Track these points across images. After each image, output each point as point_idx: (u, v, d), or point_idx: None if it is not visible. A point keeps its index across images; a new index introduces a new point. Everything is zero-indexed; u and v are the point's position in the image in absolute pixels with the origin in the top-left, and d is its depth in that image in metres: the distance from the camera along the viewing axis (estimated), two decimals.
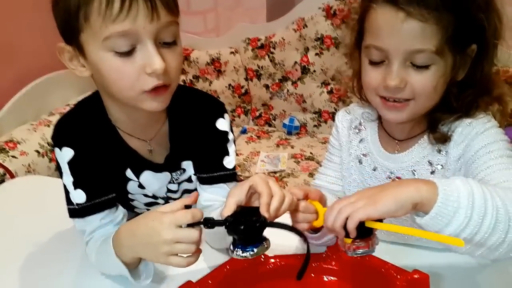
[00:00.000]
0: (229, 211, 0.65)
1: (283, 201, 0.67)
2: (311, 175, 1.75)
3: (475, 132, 0.74)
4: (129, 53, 0.67)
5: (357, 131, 0.88)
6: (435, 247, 0.81)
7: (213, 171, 0.85)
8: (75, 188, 0.78)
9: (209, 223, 0.65)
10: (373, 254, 0.69)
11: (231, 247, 0.65)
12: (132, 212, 0.93)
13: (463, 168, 0.75)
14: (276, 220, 0.67)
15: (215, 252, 0.83)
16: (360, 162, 0.87)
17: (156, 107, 0.72)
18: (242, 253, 0.64)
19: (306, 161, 1.87)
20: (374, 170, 0.85)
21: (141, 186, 0.87)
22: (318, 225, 0.71)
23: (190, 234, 0.65)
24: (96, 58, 0.68)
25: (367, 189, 0.65)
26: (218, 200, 0.85)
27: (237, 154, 1.34)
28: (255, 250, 0.64)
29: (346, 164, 0.90)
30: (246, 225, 0.64)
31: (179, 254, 0.66)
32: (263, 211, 0.65)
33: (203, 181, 0.86)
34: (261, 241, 0.66)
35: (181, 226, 0.65)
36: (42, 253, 0.88)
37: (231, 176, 0.86)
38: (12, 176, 1.39)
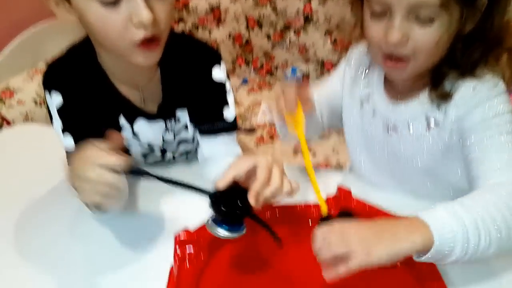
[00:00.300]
0: (224, 184, 0.63)
1: (277, 192, 0.64)
2: None
3: (478, 99, 0.70)
4: (115, 3, 0.64)
5: (367, 70, 0.86)
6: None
7: (213, 122, 0.84)
8: (63, 133, 0.77)
9: (164, 180, 0.64)
10: None
11: (209, 217, 0.64)
12: None
13: (457, 135, 0.73)
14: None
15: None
16: (362, 105, 0.86)
17: (146, 62, 0.70)
18: (215, 229, 0.63)
19: None
20: (373, 116, 0.83)
21: (135, 135, 0.86)
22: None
23: (106, 177, 0.62)
24: (81, 6, 0.65)
25: (360, 225, 0.61)
26: (220, 151, 0.84)
27: (237, 104, 1.32)
28: (227, 233, 0.63)
29: (348, 107, 0.88)
30: (228, 207, 0.62)
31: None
32: (251, 198, 0.62)
33: (203, 132, 0.85)
34: (239, 225, 0.64)
35: (117, 171, 0.62)
36: (40, 199, 0.88)
37: (232, 127, 0.85)
38: (10, 125, 1.37)
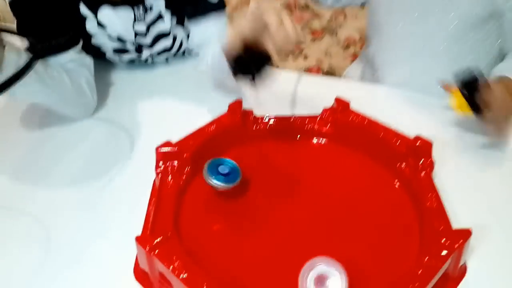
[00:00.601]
0: (234, 47, 0.57)
1: (292, 36, 0.58)
2: None
3: None
4: None
5: None
6: (443, 113, 0.75)
7: (195, 3, 0.76)
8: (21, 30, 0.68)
9: None
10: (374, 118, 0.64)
11: (206, 165, 0.60)
12: (104, 60, 0.84)
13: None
14: None
15: (197, 112, 0.76)
16: None
17: None
18: (211, 180, 0.59)
19: None
20: None
21: (101, 26, 0.76)
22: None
23: None
24: None
25: None
26: (212, 35, 0.77)
27: None
28: (223, 184, 0.59)
29: None
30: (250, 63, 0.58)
31: None
32: (269, 45, 0.56)
33: (189, 16, 0.78)
34: (235, 176, 0.60)
35: None
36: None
37: (219, 5, 0.77)
38: None
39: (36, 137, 0.75)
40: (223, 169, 0.60)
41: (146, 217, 0.57)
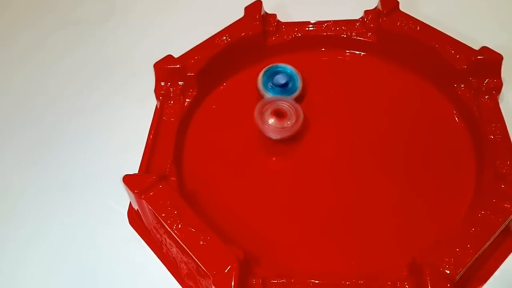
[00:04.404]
0: None
1: None
2: None
3: None
4: None
5: None
6: None
7: None
8: None
9: None
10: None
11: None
12: None
13: None
14: None
15: (202, 22, 0.63)
16: None
17: None
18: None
19: None
20: None
21: None
22: None
23: None
24: None
25: None
26: None
27: None
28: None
29: None
30: None
31: None
32: None
33: None
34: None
35: None
36: None
37: None
38: None
39: None
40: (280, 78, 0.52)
41: (144, 152, 0.48)
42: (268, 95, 0.51)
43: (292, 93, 0.51)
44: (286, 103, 0.49)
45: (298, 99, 0.52)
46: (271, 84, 0.51)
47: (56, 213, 0.48)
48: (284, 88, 0.51)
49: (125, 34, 0.65)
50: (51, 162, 0.52)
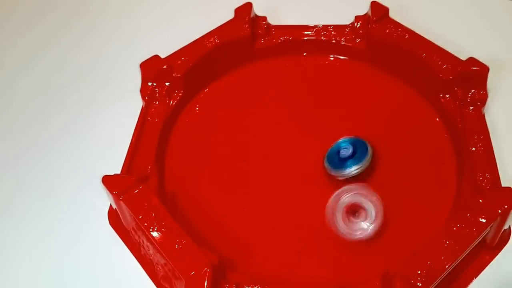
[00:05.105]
0: None
1: None
2: None
3: None
4: None
5: None
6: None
7: None
8: None
9: None
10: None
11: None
12: None
13: None
14: None
15: (193, 19, 0.63)
16: None
17: None
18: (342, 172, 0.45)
19: None
20: None
21: None
22: None
23: None
24: None
25: None
26: None
27: None
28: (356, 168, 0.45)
29: None
30: None
31: None
32: None
33: None
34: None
35: None
36: None
37: None
38: None
39: None
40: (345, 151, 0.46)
41: (127, 152, 0.48)
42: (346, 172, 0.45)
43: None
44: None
45: None
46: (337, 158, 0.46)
47: (38, 210, 0.48)
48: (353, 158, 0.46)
49: (113, 33, 0.65)
50: (37, 159, 0.52)
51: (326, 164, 0.46)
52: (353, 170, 0.44)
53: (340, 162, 0.45)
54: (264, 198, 0.46)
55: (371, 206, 0.42)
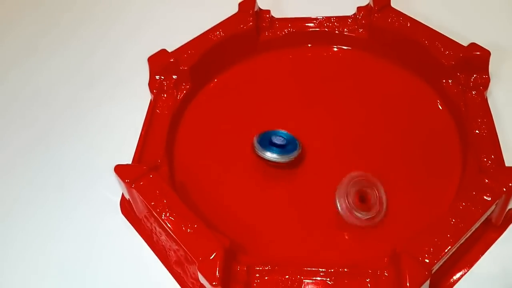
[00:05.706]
0: None
1: None
2: None
3: None
4: None
5: None
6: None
7: None
8: None
9: None
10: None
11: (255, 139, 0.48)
12: None
13: None
14: None
15: (196, 17, 0.64)
16: None
17: None
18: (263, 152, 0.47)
19: None
20: None
21: None
22: None
23: None
24: None
25: None
26: None
27: None
28: (277, 156, 0.46)
29: None
30: None
31: None
32: None
33: None
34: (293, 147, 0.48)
35: None
36: None
37: None
38: None
39: None
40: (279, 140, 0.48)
41: (137, 143, 0.49)
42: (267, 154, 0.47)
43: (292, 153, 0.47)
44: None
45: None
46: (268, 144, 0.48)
47: (53, 204, 0.49)
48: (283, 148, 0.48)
49: (120, 29, 0.67)
50: (49, 154, 0.53)
51: (255, 139, 0.48)
52: (274, 156, 0.46)
53: (268, 144, 0.47)
54: (271, 184, 0.47)
55: (380, 194, 0.43)
